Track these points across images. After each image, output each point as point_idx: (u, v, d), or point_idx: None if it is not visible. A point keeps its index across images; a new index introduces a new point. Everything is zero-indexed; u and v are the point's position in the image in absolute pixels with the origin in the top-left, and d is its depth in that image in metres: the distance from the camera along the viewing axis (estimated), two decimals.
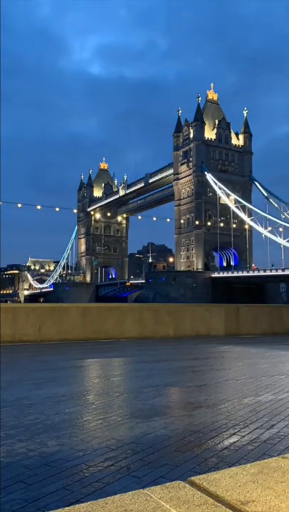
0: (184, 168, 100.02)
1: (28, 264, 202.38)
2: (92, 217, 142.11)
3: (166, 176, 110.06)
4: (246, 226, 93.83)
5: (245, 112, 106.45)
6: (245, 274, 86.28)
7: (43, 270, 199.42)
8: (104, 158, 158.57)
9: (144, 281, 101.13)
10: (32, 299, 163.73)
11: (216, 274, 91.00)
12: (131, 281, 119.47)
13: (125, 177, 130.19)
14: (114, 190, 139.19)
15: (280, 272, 78.08)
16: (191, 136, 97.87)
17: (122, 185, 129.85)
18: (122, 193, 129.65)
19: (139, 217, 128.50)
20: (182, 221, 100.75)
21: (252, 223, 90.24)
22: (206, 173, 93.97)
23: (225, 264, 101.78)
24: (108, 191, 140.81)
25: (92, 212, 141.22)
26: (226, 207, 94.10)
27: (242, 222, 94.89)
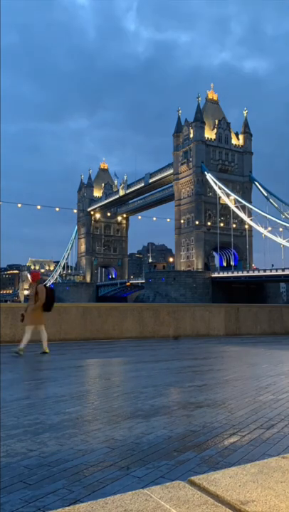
0: (184, 168, 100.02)
1: (28, 264, 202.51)
2: (92, 217, 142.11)
3: (166, 176, 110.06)
4: (246, 226, 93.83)
5: (245, 112, 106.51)
6: (245, 274, 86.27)
7: (43, 270, 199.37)
8: (104, 159, 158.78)
9: (144, 281, 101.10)
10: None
11: (216, 274, 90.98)
12: (131, 281, 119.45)
13: (125, 177, 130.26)
14: (114, 190, 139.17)
15: (280, 272, 78.06)
16: (191, 136, 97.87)
17: (122, 185, 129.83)
18: (122, 193, 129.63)
19: (139, 217, 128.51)
20: (182, 221, 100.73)
21: (252, 223, 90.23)
22: (206, 173, 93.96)
23: (225, 264, 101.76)
24: (108, 191, 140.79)
25: (92, 212, 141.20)
26: (226, 207, 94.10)
27: (242, 222, 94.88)
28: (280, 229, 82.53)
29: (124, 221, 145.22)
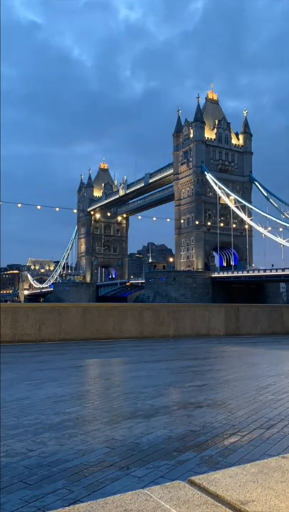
0: (184, 168, 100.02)
1: (28, 264, 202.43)
2: (92, 217, 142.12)
3: (166, 176, 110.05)
4: (246, 226, 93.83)
5: (245, 112, 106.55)
6: (245, 274, 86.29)
7: (43, 270, 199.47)
8: (104, 159, 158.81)
9: (144, 281, 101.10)
10: (32, 299, 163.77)
11: (216, 274, 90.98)
12: (131, 281, 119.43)
13: (125, 177, 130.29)
14: (114, 190, 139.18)
15: (280, 272, 78.08)
16: (191, 136, 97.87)
17: (122, 185, 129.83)
18: (122, 193, 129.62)
19: (139, 217, 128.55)
20: (182, 221, 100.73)
21: (252, 223, 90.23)
22: (206, 173, 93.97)
23: (225, 264, 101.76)
24: (108, 191, 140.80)
25: (92, 212, 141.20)
26: (226, 207, 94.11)
27: (242, 222, 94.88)
28: (280, 229, 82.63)
29: (124, 221, 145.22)
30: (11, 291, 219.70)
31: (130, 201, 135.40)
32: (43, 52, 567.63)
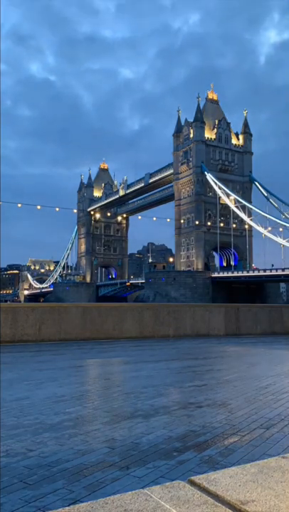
0: (184, 168, 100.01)
1: (28, 264, 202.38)
2: (92, 217, 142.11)
3: (166, 176, 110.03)
4: (246, 226, 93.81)
5: (245, 112, 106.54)
6: (245, 274, 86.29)
7: (43, 270, 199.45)
8: (104, 159, 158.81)
9: (144, 281, 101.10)
10: (32, 299, 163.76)
11: (216, 274, 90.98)
12: (131, 281, 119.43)
13: (125, 177, 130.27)
14: (114, 190, 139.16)
15: (280, 272, 78.08)
16: (191, 136, 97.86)
17: (122, 185, 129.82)
18: (122, 193, 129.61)
19: (139, 217, 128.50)
20: (182, 221, 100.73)
21: (252, 223, 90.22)
22: (206, 173, 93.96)
23: (225, 264, 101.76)
24: (108, 191, 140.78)
25: (92, 212, 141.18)
26: (226, 207, 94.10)
27: (242, 222, 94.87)
28: (280, 229, 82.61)
29: (124, 221, 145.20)
30: (11, 291, 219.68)
31: (130, 201, 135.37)
32: (55, 99, 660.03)
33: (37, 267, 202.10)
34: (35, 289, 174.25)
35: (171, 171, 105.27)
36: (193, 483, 2.05)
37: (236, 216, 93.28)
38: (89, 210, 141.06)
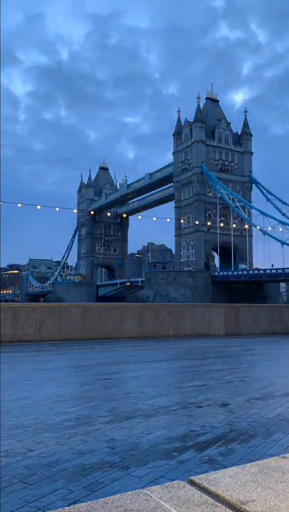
0: (184, 168, 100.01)
1: (28, 264, 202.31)
2: (92, 218, 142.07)
3: (167, 176, 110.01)
4: (246, 226, 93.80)
5: (244, 112, 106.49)
6: (245, 273, 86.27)
7: (43, 270, 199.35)
8: (104, 159, 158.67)
9: (144, 280, 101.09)
10: (32, 299, 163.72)
11: (216, 274, 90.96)
12: (131, 281, 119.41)
13: (125, 177, 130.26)
14: (115, 190, 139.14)
15: (280, 272, 78.05)
16: (191, 136, 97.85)
17: (122, 185, 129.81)
18: (122, 193, 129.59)
19: (139, 217, 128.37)
20: (182, 221, 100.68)
21: (252, 223, 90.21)
22: (206, 173, 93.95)
23: (225, 264, 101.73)
24: (108, 191, 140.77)
25: (92, 213, 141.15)
26: (225, 207, 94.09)
27: (242, 222, 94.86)
28: (280, 229, 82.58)
29: (124, 221, 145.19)
30: (11, 291, 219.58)
31: (130, 201, 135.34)
32: (63, 135, 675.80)
33: (37, 267, 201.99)
34: (35, 289, 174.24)
35: (171, 171, 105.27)
36: (193, 483, 2.05)
37: (236, 216, 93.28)
38: (89, 210, 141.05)
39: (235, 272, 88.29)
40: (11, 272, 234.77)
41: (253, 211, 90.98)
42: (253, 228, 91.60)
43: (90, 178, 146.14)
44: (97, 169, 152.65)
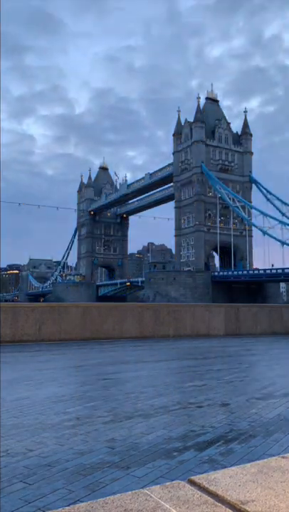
0: (183, 168, 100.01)
1: (28, 264, 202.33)
2: (92, 217, 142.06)
3: (167, 176, 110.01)
4: (246, 226, 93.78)
5: (244, 112, 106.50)
6: (245, 273, 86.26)
7: (43, 270, 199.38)
8: (104, 158, 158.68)
9: (144, 280, 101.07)
10: (32, 298, 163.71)
11: (216, 274, 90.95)
12: (131, 281, 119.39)
13: (125, 177, 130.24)
14: (115, 190, 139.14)
15: (280, 272, 78.05)
16: (191, 136, 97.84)
17: (122, 185, 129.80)
18: (122, 193, 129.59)
19: (139, 217, 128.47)
20: (182, 221, 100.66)
21: (252, 223, 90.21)
22: (206, 173, 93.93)
23: (225, 264, 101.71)
24: (108, 191, 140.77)
25: (92, 212, 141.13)
26: (225, 207, 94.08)
27: (242, 222, 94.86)
28: (280, 229, 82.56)
29: (124, 221, 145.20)
30: (11, 291, 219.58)
31: (130, 201, 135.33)
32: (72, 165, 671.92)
33: (37, 267, 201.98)
34: (35, 289, 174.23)
35: (171, 171, 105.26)
36: (193, 483, 2.05)
37: (236, 216, 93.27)
38: (89, 210, 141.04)
39: (235, 272, 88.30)
40: (11, 271, 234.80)
41: (253, 211, 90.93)
42: (253, 228, 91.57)
43: (90, 178, 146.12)
44: (97, 169, 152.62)
